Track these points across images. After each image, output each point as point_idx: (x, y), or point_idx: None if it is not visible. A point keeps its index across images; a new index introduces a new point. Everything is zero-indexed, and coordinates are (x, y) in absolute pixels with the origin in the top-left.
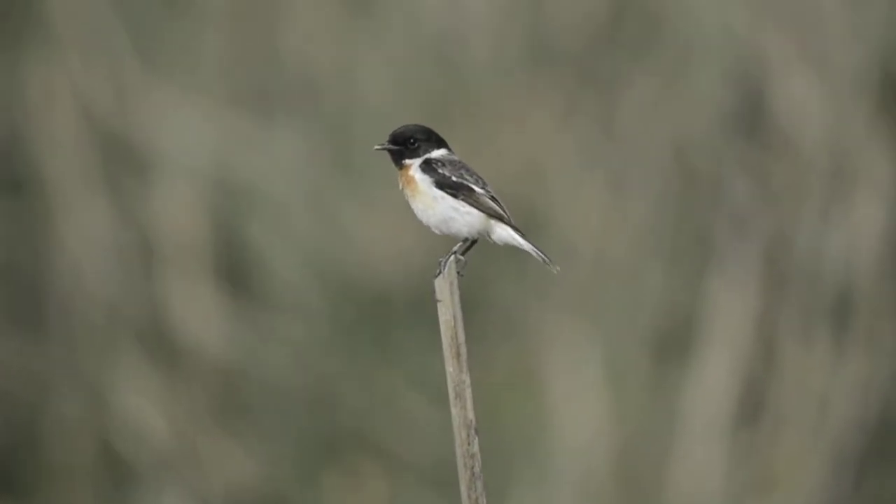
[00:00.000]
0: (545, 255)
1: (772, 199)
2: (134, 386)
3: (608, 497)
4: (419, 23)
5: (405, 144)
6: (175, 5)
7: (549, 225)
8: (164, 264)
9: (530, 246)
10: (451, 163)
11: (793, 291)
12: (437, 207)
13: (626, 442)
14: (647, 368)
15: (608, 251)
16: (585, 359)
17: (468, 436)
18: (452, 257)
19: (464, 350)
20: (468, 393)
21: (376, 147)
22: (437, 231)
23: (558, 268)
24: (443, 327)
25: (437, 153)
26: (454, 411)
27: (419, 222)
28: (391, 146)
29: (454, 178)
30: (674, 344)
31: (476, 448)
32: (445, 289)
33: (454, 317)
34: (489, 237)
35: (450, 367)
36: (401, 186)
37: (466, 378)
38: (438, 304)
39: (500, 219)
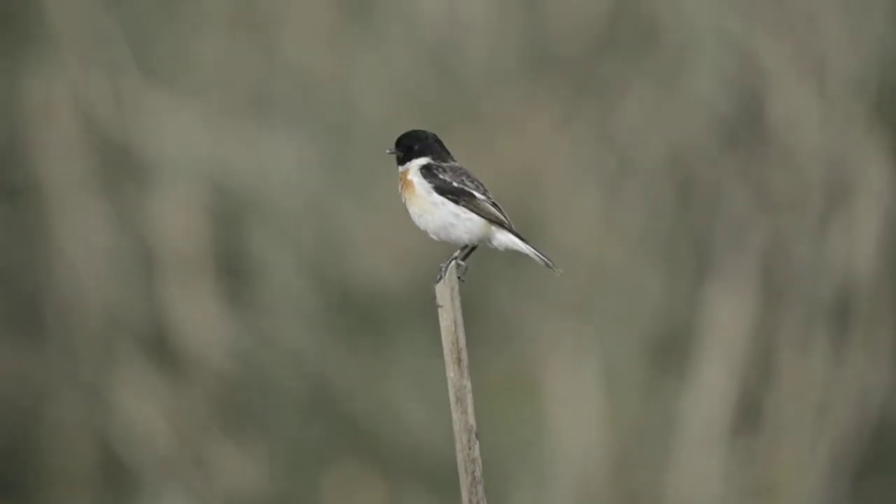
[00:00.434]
0: (547, 259)
1: (769, 207)
2: (134, 391)
3: (607, 501)
4: (417, 29)
5: (407, 149)
6: (174, 12)
7: (546, 231)
8: (164, 269)
9: (532, 250)
10: (452, 168)
11: (790, 299)
12: (436, 213)
13: (624, 448)
14: (645, 375)
15: (606, 258)
16: (584, 365)
17: (469, 440)
18: (453, 263)
19: (464, 355)
20: (469, 398)
21: (387, 151)
22: (434, 237)
23: (561, 270)
24: (444, 332)
25: (437, 159)
26: (455, 416)
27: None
28: (394, 150)
29: (455, 184)
30: (672, 351)
31: (477, 452)
32: (446, 294)
33: (455, 322)
34: (490, 243)
35: (450, 372)
36: (400, 190)
37: (467, 383)
38: (439, 310)
39: (501, 225)
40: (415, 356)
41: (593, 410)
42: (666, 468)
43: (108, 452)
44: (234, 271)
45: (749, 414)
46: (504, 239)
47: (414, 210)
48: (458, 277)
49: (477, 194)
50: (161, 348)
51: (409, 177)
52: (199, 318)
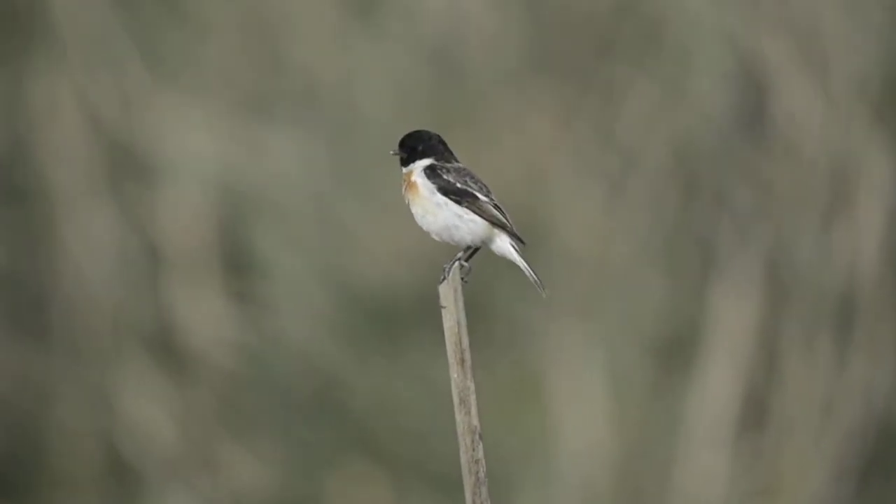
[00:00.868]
0: (537, 278)
1: (773, 206)
2: (140, 392)
3: (612, 502)
4: (420, 29)
5: (410, 150)
6: (179, 13)
7: (549, 232)
8: (170, 270)
9: (524, 265)
10: (456, 170)
11: (795, 298)
12: (439, 214)
13: (629, 448)
14: (649, 375)
15: (609, 258)
16: (589, 365)
17: (473, 441)
18: (456, 264)
19: (468, 356)
20: (473, 399)
21: (391, 152)
22: (437, 238)
23: (548, 293)
24: (447, 333)
25: (441, 159)
26: (459, 417)
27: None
28: (398, 151)
29: (458, 185)
30: (677, 350)
31: (481, 454)
32: (450, 295)
33: (458, 323)
34: (490, 246)
35: (454, 374)
36: (403, 191)
37: (471, 384)
38: (443, 311)
39: (503, 228)
40: (419, 357)
41: (598, 411)
42: (670, 468)
43: (113, 453)
44: (240, 272)
45: (754, 413)
46: (502, 246)
47: (417, 211)
48: (462, 278)
49: (480, 196)
50: (167, 349)
51: (413, 178)
52: (205, 318)
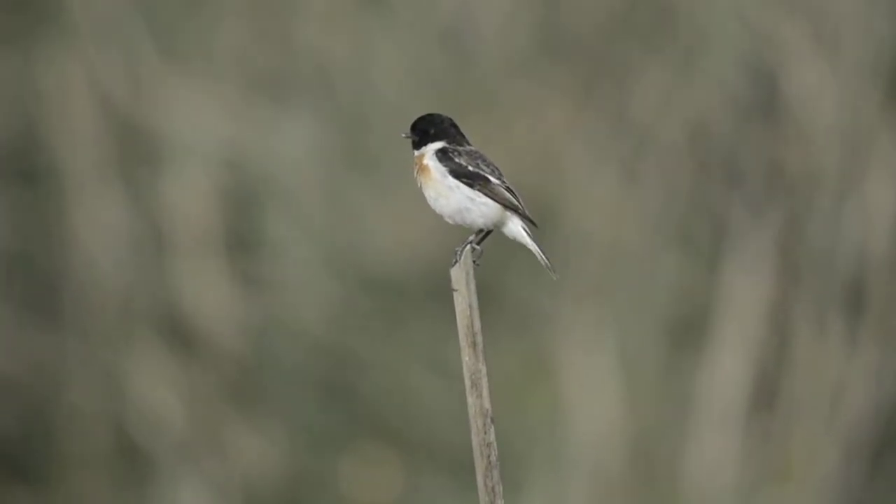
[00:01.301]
0: (548, 261)
1: (785, 187)
2: (150, 374)
3: (623, 485)
4: (432, 13)
5: (422, 133)
6: None
7: (563, 214)
8: (179, 252)
9: (536, 248)
10: (468, 153)
11: (807, 279)
12: (451, 197)
13: (640, 430)
14: (662, 356)
15: (622, 239)
16: (600, 348)
17: (484, 424)
18: (468, 247)
19: (480, 339)
20: (484, 382)
21: (402, 135)
22: (450, 221)
23: (557, 275)
24: (459, 316)
25: (453, 143)
26: (470, 400)
27: (433, 211)
28: (410, 134)
29: (470, 168)
30: (688, 332)
31: (492, 437)
32: (461, 278)
33: (470, 306)
34: (502, 229)
35: (466, 356)
36: (415, 174)
37: (482, 367)
38: (454, 294)
39: (516, 210)
40: (430, 339)
41: (610, 393)
42: (682, 450)
43: (124, 437)
44: (249, 254)
45: (765, 395)
46: (514, 229)
47: (430, 194)
48: (474, 261)
49: (492, 178)
50: (177, 331)
51: (425, 161)
52: (216, 300)
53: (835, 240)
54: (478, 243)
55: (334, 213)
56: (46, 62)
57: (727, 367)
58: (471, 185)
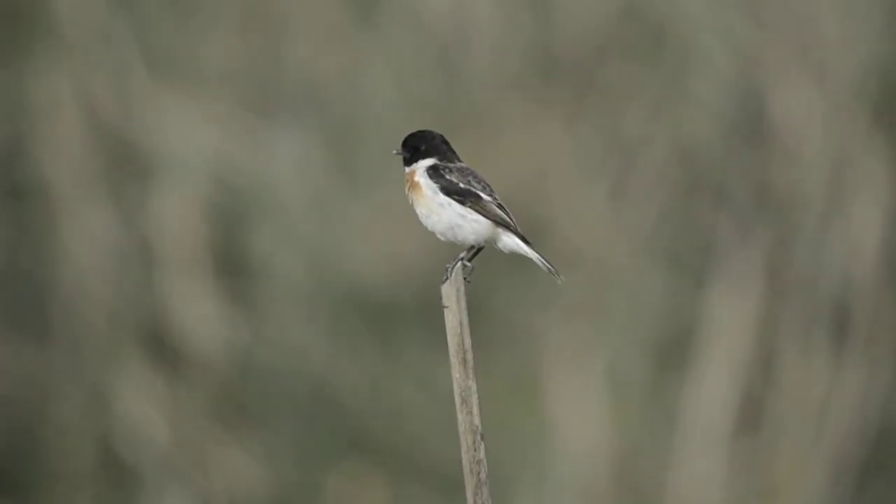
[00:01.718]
0: (551, 266)
1: (772, 208)
2: (136, 390)
3: (610, 503)
4: (424, 30)
5: (413, 149)
6: (180, 10)
7: (552, 232)
8: (168, 268)
9: (536, 255)
10: (460, 169)
11: (793, 299)
12: (443, 214)
13: (628, 449)
14: (648, 376)
15: (610, 258)
16: (589, 366)
17: (475, 442)
18: (459, 263)
19: (470, 356)
20: (474, 399)
21: (394, 151)
22: (441, 237)
23: (563, 278)
24: (449, 333)
25: (444, 159)
26: (460, 417)
27: (424, 227)
28: (401, 150)
29: (461, 185)
30: (675, 352)
31: (482, 454)
32: (452, 295)
33: (461, 323)
34: (495, 245)
35: (456, 373)
36: (406, 191)
37: (473, 384)
38: (445, 311)
39: (507, 227)
40: (420, 357)
41: (598, 411)
42: (669, 469)
43: (110, 452)
44: (237, 270)
45: (752, 415)
46: (509, 242)
47: (421, 211)
48: (464, 278)
49: (483, 195)
50: (164, 347)
51: (416, 178)
52: (203, 317)
53: (821, 261)
54: (469, 260)
55: (324, 230)
56: (36, 76)
57: (714, 387)
58: (462, 202)
